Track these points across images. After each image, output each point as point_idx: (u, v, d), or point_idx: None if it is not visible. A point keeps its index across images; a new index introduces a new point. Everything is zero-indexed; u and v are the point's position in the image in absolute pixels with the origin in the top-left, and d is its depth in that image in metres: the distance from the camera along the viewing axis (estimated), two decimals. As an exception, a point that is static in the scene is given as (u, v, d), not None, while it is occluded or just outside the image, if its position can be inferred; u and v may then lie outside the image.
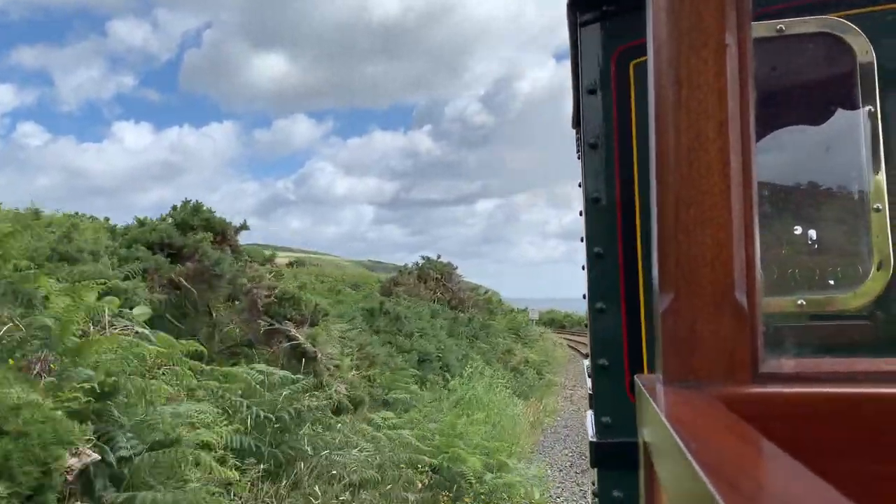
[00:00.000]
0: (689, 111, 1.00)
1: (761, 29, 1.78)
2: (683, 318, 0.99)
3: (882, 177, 1.76)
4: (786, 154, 1.96)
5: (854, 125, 1.79)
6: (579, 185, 3.53)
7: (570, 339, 45.36)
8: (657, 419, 0.86)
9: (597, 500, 2.48)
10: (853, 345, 1.91)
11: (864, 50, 1.77)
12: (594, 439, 2.25)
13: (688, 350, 0.98)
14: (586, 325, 3.60)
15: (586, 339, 3.43)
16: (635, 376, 1.19)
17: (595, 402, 2.32)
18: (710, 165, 0.99)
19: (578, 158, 3.67)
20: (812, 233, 1.88)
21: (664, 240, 1.02)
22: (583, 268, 3.38)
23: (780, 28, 1.75)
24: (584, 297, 3.39)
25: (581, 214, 3.40)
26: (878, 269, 1.74)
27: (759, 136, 1.95)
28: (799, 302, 1.74)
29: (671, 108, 1.01)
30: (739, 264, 0.99)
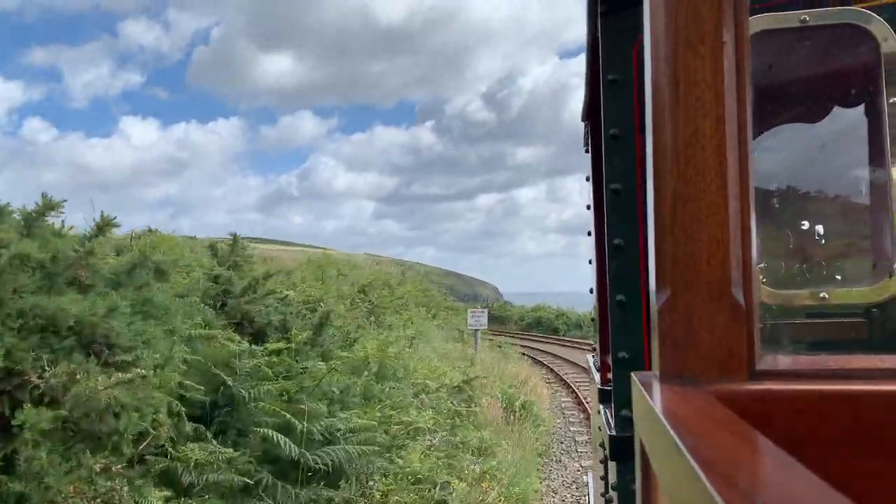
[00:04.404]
0: (686, 108, 1.00)
1: (785, 19, 1.78)
2: (680, 314, 0.99)
3: None
4: (809, 147, 1.96)
5: (879, 116, 1.79)
6: (587, 179, 3.50)
7: (570, 370, 21.94)
8: (654, 416, 0.86)
9: (606, 496, 2.49)
10: (865, 342, 1.92)
11: (888, 40, 1.77)
12: (613, 433, 2.27)
13: (684, 347, 0.99)
14: (592, 320, 3.58)
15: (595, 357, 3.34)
16: (632, 373, 1.20)
17: (614, 396, 2.33)
18: (707, 162, 0.99)
19: (586, 152, 3.65)
20: (834, 227, 1.89)
21: (661, 237, 1.02)
22: (590, 262, 3.37)
23: (804, 18, 1.75)
24: (590, 291, 3.38)
25: (588, 208, 3.38)
26: None
27: (780, 127, 1.95)
28: (822, 295, 1.74)
29: (668, 104, 1.01)
30: (736, 261, 0.99)
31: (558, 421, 15.43)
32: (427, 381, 12.06)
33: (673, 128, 1.00)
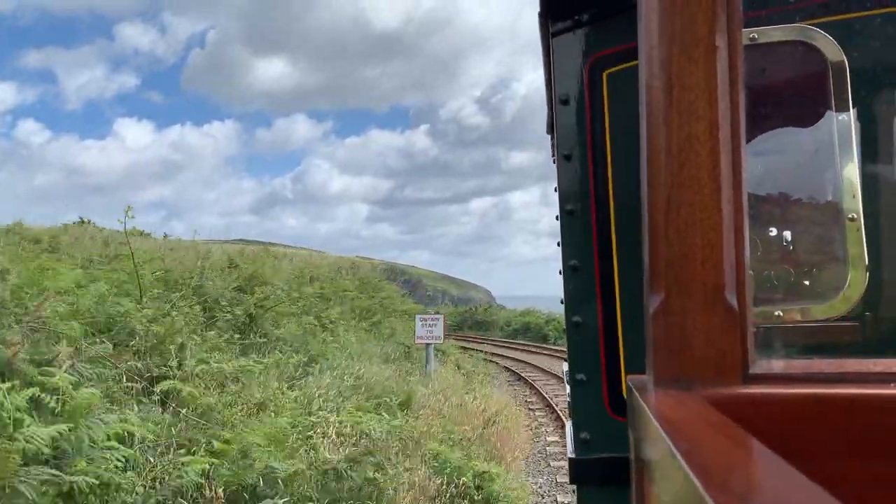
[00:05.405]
0: (680, 112, 1.00)
1: None
2: (674, 318, 0.99)
3: (856, 185, 1.77)
4: (761, 161, 1.96)
5: (827, 133, 1.79)
6: (555, 190, 3.51)
7: (561, 391, 15.35)
8: (648, 420, 0.86)
9: None
10: (833, 348, 1.91)
11: (836, 57, 1.78)
12: (573, 456, 2.21)
13: (678, 351, 0.99)
14: (564, 331, 3.57)
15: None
16: (627, 378, 1.20)
17: (573, 417, 2.29)
18: (701, 166, 0.99)
19: (554, 163, 3.66)
20: (787, 240, 1.88)
21: (655, 240, 1.02)
22: (560, 273, 3.38)
23: (753, 37, 1.75)
24: (561, 302, 3.38)
25: (557, 219, 3.38)
26: (853, 279, 1.74)
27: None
28: (776, 313, 1.74)
29: (662, 109, 1.01)
30: (730, 265, 0.99)
31: (541, 481, 9.82)
32: (272, 464, 6.05)
33: (667, 132, 1.01)
